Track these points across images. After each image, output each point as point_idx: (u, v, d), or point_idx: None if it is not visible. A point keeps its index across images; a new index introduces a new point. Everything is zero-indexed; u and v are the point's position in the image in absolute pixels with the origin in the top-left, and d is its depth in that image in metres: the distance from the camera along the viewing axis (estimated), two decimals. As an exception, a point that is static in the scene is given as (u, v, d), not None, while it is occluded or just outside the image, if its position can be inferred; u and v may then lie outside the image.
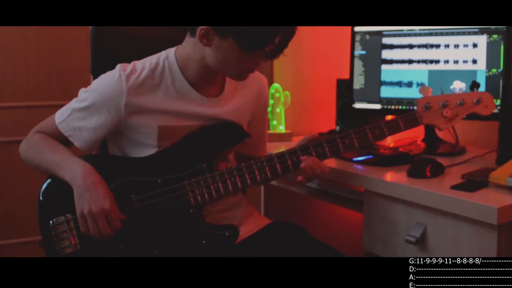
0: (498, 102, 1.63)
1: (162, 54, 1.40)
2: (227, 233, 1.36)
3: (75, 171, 1.30)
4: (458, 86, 1.45)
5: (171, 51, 1.40)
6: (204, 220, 1.36)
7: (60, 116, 1.40)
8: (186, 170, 1.35)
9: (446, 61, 1.74)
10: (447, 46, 1.74)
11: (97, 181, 1.29)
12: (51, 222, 1.34)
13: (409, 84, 1.82)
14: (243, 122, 1.48)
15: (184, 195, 1.34)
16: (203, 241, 1.35)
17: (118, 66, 1.37)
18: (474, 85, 1.45)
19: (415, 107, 1.76)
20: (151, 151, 1.37)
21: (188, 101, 1.38)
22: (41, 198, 1.37)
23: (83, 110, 1.37)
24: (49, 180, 1.38)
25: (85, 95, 1.38)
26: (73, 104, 1.39)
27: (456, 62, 1.72)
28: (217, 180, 1.34)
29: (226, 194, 1.36)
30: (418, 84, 1.79)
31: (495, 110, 1.64)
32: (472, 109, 1.43)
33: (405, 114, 1.42)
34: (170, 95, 1.37)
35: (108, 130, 1.37)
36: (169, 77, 1.38)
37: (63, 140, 1.39)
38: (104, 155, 1.54)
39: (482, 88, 1.62)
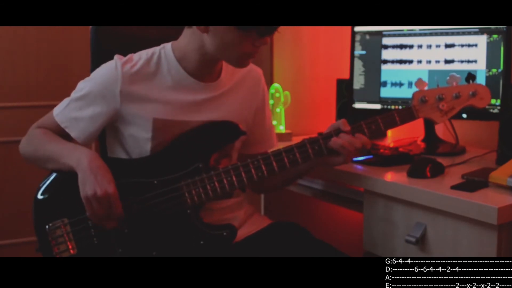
0: (498, 102, 1.63)
1: (158, 46, 1.41)
2: (225, 233, 1.36)
3: (80, 156, 1.30)
4: (454, 79, 1.44)
5: (167, 44, 1.41)
6: (201, 220, 1.36)
7: (58, 108, 1.41)
8: (183, 171, 1.35)
9: (446, 61, 1.74)
10: (447, 46, 1.74)
11: (102, 166, 1.29)
12: (47, 226, 1.34)
13: (409, 84, 1.82)
14: (243, 111, 1.47)
15: (181, 196, 1.34)
16: (201, 242, 1.35)
17: (115, 56, 1.38)
18: (470, 77, 1.44)
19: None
20: (147, 146, 1.37)
21: (185, 90, 1.38)
22: (36, 203, 1.37)
23: (80, 100, 1.37)
24: (43, 185, 1.38)
25: (82, 85, 1.39)
26: (71, 95, 1.40)
27: (456, 62, 1.72)
28: (213, 180, 1.34)
29: (223, 194, 1.35)
30: (418, 84, 1.79)
31: (495, 110, 1.64)
32: (468, 102, 1.42)
33: (401, 108, 1.41)
34: (166, 83, 1.37)
35: (104, 120, 1.37)
36: (165, 66, 1.38)
37: (63, 134, 1.39)
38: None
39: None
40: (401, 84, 1.83)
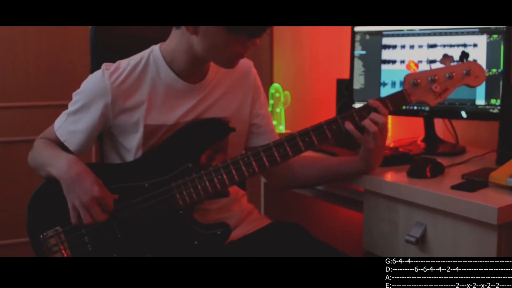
0: (498, 102, 1.63)
1: (147, 50, 1.41)
2: (219, 232, 1.35)
3: (60, 166, 1.31)
4: (447, 59, 1.38)
5: (155, 46, 1.41)
6: (194, 220, 1.36)
7: (58, 122, 1.42)
8: (172, 172, 1.35)
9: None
10: (447, 46, 1.74)
11: (81, 171, 1.29)
12: (41, 236, 1.34)
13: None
14: (237, 106, 1.45)
15: (173, 198, 1.33)
16: (196, 242, 1.34)
17: (103, 65, 1.37)
18: (463, 55, 1.39)
19: (415, 107, 1.77)
20: (139, 151, 1.37)
21: (175, 93, 1.37)
22: (29, 213, 1.37)
23: (75, 113, 1.38)
24: (35, 194, 1.38)
25: (76, 98, 1.39)
26: (68, 108, 1.41)
27: (456, 62, 1.72)
28: (204, 179, 1.33)
29: (215, 192, 1.34)
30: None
31: (495, 110, 1.64)
32: (462, 82, 1.38)
33: (392, 93, 1.38)
34: (155, 87, 1.37)
35: (98, 130, 1.38)
36: (154, 69, 1.37)
37: (64, 146, 1.40)
38: (90, 163, 1.54)
39: (481, 87, 1.61)
40: (401, 84, 1.83)
